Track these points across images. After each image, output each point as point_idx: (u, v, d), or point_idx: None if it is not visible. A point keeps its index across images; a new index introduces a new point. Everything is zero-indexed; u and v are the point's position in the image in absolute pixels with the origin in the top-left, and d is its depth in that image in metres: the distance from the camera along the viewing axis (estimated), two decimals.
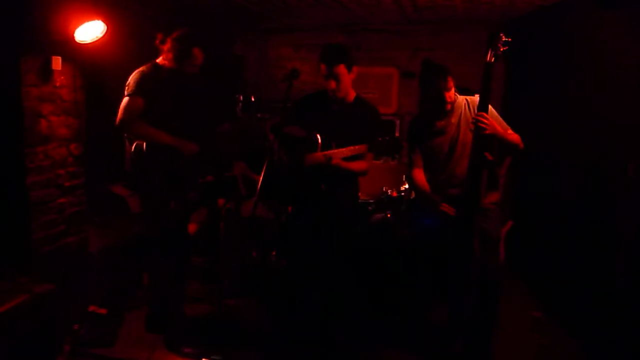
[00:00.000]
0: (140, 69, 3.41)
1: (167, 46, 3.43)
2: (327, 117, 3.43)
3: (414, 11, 5.23)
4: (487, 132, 2.89)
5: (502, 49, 2.89)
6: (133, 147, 3.39)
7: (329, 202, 3.43)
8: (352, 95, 3.48)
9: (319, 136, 3.30)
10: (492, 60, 2.90)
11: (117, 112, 3.31)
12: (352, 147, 3.22)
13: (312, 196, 3.43)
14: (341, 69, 3.30)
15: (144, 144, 3.37)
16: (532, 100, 4.96)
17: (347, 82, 3.37)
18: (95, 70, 4.03)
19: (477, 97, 3.21)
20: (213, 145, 3.69)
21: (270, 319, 4.12)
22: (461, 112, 3.16)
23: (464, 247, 3.05)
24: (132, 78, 3.36)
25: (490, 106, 2.99)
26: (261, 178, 3.12)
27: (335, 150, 3.22)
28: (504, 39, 2.88)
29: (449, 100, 3.10)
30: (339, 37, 6.34)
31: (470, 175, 2.99)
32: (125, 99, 3.30)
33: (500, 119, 3.10)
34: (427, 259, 3.41)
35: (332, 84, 3.32)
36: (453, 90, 3.13)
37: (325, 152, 3.22)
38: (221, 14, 5.50)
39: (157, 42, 3.47)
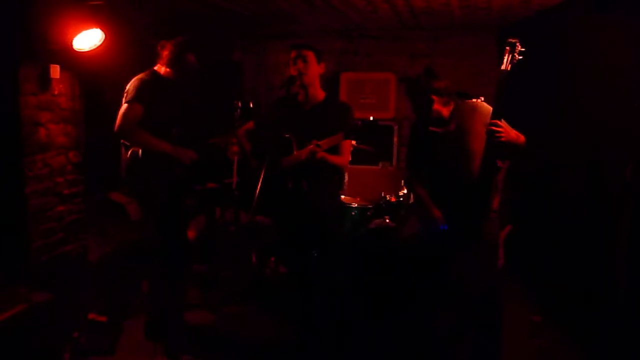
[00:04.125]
0: (139, 76, 3.42)
1: (166, 51, 3.46)
2: (299, 119, 3.46)
3: (411, 17, 5.24)
4: (502, 139, 2.88)
5: (517, 58, 2.88)
6: (129, 154, 3.39)
7: (311, 202, 3.44)
8: (321, 95, 3.52)
9: (292, 137, 3.34)
10: (508, 68, 2.89)
11: (116, 119, 3.31)
12: (328, 139, 3.24)
13: (292, 199, 3.44)
14: (310, 54, 3.38)
15: (140, 150, 3.37)
16: (530, 104, 4.97)
17: (314, 71, 3.42)
18: (93, 79, 4.04)
19: (477, 101, 3.21)
20: (210, 153, 3.71)
21: (269, 326, 4.11)
22: (462, 118, 3.14)
23: (469, 254, 3.05)
24: (131, 85, 3.37)
25: None
26: (259, 187, 3.13)
27: (319, 142, 3.23)
28: (519, 48, 2.87)
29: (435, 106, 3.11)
30: (336, 42, 6.36)
31: (481, 183, 2.96)
32: (124, 106, 3.31)
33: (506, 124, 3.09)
34: (429, 264, 3.40)
35: (300, 64, 3.36)
36: (440, 98, 3.12)
37: (309, 147, 3.23)
38: (218, 21, 5.52)
39: (159, 47, 3.50)
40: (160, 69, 3.52)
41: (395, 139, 6.24)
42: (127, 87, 3.38)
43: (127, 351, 3.66)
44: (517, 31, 5.16)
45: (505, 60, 2.89)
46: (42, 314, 3.12)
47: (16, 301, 3.06)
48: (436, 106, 3.09)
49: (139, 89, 3.34)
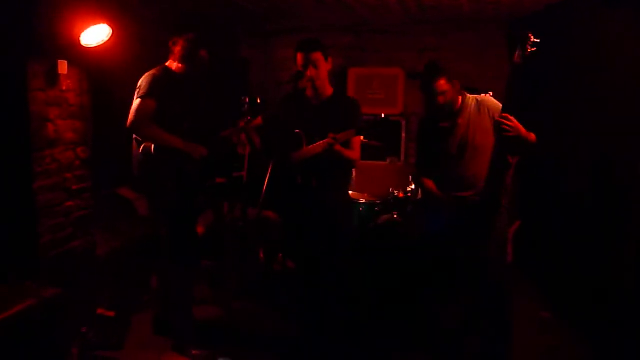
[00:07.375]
0: (152, 71, 3.43)
1: (178, 47, 3.47)
2: (308, 114, 3.46)
3: (419, 11, 5.22)
4: (512, 134, 2.84)
5: (529, 50, 2.81)
6: (141, 149, 3.40)
7: (319, 197, 3.44)
8: (329, 90, 3.52)
9: (302, 133, 3.35)
10: (520, 61, 2.82)
11: (128, 114, 3.32)
12: (343, 133, 3.24)
13: (300, 194, 3.44)
14: (318, 55, 3.37)
15: (152, 146, 3.38)
16: (540, 100, 4.94)
17: (324, 71, 3.42)
18: (101, 74, 4.04)
19: (486, 97, 3.19)
20: (220, 148, 3.71)
21: (277, 321, 4.11)
22: (470, 112, 3.12)
23: (479, 250, 3.03)
24: (143, 80, 3.38)
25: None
26: (266, 182, 3.14)
27: (337, 135, 3.23)
28: (532, 40, 2.80)
29: (441, 100, 3.08)
30: (344, 38, 6.34)
31: (492, 178, 2.92)
32: (137, 101, 3.32)
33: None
34: (437, 259, 3.39)
35: (312, 71, 3.36)
36: (450, 90, 3.09)
37: (326, 139, 3.22)
38: (225, 16, 5.52)
39: (170, 43, 3.51)
40: (172, 64, 3.53)
41: (403, 135, 6.23)
42: (140, 82, 3.39)
43: (135, 346, 3.67)
44: (526, 25, 5.14)
45: (517, 53, 2.83)
46: (50, 308, 3.13)
47: (25, 296, 3.07)
48: (444, 98, 3.08)
49: (152, 84, 3.35)
